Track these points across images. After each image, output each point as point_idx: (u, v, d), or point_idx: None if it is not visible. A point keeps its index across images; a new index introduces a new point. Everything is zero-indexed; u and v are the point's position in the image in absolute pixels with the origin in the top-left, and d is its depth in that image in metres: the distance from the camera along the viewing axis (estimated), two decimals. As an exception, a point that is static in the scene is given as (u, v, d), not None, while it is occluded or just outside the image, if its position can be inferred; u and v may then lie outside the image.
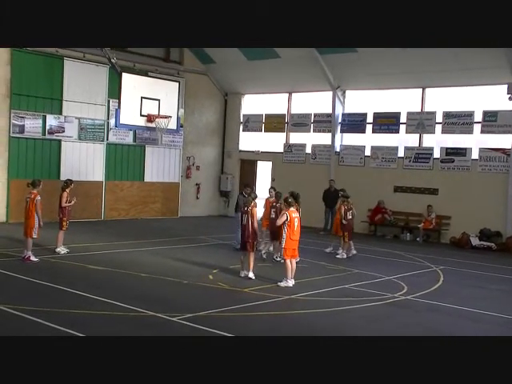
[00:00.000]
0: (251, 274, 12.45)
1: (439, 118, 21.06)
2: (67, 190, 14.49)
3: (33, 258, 13.27)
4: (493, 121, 19.94)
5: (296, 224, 12.03)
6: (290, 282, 11.98)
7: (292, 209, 12.21)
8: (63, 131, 21.16)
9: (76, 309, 9.51)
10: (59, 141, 21.15)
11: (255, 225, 12.59)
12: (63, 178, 20.88)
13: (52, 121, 20.89)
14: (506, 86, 19.12)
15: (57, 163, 21.17)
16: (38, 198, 13.44)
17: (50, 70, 20.76)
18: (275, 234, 14.11)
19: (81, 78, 21.35)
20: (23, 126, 20.21)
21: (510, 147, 19.62)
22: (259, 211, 13.80)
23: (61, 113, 21.12)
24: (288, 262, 12.03)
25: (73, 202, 14.52)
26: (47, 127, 20.75)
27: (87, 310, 9.47)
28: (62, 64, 20.97)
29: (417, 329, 9.44)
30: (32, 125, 20.39)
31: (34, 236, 13.36)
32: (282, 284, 11.94)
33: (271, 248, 15.69)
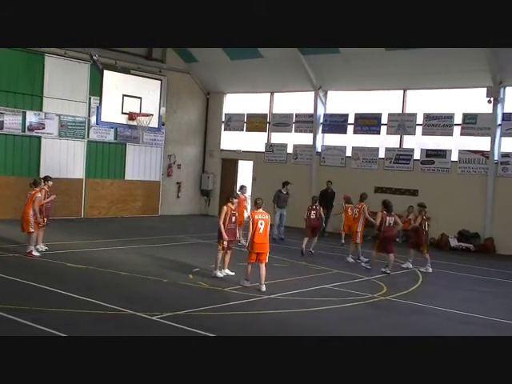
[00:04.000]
0: (217, 272, 12.48)
1: (420, 119, 21.22)
2: (45, 188, 14.34)
3: (34, 253, 13.43)
4: (472, 123, 20.14)
5: (262, 227, 11.45)
6: (247, 283, 11.63)
7: (260, 210, 11.73)
8: (43, 128, 20.99)
9: (54, 307, 9.44)
10: (39, 137, 20.97)
11: (220, 223, 12.36)
12: (43, 175, 20.70)
13: (32, 117, 20.71)
14: (485, 89, 19.37)
15: (36, 160, 20.99)
16: (39, 195, 13.59)
17: (30, 66, 20.58)
18: (314, 231, 16.50)
19: (62, 75, 21.19)
20: (2, 122, 20.00)
21: (488, 149, 19.84)
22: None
23: (41, 109, 20.95)
24: (249, 266, 11.61)
25: (50, 199, 14.35)
26: (27, 124, 20.57)
27: (65, 309, 9.41)
28: (42, 60, 20.79)
29: (397, 329, 9.50)
30: (11, 121, 20.19)
31: (31, 230, 13.39)
32: (242, 283, 11.72)
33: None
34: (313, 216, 16.62)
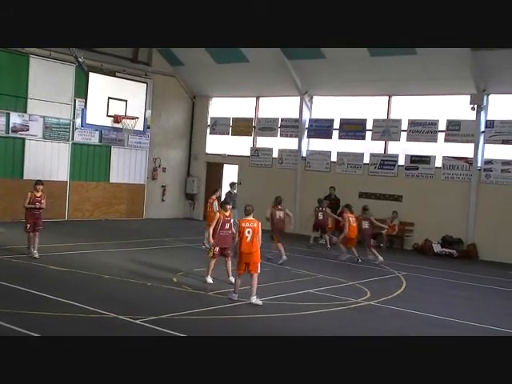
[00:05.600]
0: (206, 278, 12.37)
1: (404, 125, 21.36)
2: (33, 191, 13.99)
3: None
4: (456, 130, 20.31)
5: (249, 236, 10.79)
6: (235, 296, 11.03)
7: (249, 218, 11.08)
8: (27, 129, 20.84)
9: (36, 310, 9.36)
10: (23, 139, 20.82)
11: (209, 229, 12.37)
12: (27, 177, 20.63)
13: (16, 119, 20.55)
14: (469, 96, 19.55)
15: (20, 162, 20.83)
16: None
17: (15, 67, 20.45)
18: (323, 229, 19.55)
19: (47, 76, 21.06)
20: (-14, 123, 19.85)
21: (472, 156, 20.01)
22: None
23: (25, 111, 20.80)
24: (238, 277, 11.06)
25: (37, 205, 13.86)
26: (11, 125, 20.41)
27: (48, 312, 9.33)
28: (27, 61, 20.66)
29: (381, 334, 9.51)
30: (-5, 122, 20.05)
31: None
32: (229, 296, 11.13)
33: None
34: (320, 217, 19.16)
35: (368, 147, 22.49)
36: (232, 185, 19.48)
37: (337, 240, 17.77)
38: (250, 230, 10.87)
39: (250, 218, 11.13)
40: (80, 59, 19.48)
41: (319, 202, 19.49)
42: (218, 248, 12.17)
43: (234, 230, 12.01)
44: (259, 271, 11.03)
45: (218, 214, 12.36)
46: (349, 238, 16.88)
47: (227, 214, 12.30)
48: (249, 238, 10.83)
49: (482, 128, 19.87)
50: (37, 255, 13.74)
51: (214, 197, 17.25)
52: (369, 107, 22.44)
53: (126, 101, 20.05)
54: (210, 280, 12.34)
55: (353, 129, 22.50)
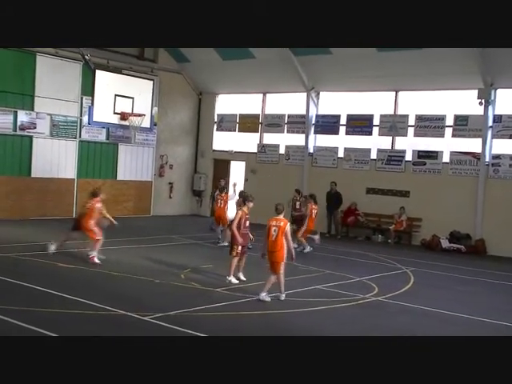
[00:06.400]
0: (230, 278, 12.13)
1: (412, 121, 21.29)
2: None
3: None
4: (464, 125, 20.23)
5: (275, 234, 10.69)
6: (282, 296, 11.00)
7: (279, 217, 10.87)
8: (35, 127, 20.89)
9: (45, 307, 9.40)
10: (31, 137, 20.88)
11: (233, 229, 12.03)
12: (34, 175, 20.73)
13: (23, 117, 20.61)
14: (476, 91, 19.47)
15: (28, 160, 20.90)
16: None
17: (21, 65, 20.49)
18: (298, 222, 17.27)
19: (53, 74, 21.10)
20: (-7, 121, 19.91)
21: (479, 151, 19.93)
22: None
23: (32, 109, 20.85)
24: (271, 277, 10.91)
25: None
26: (18, 123, 20.48)
27: (57, 309, 9.37)
28: (34, 59, 20.70)
29: (389, 330, 9.51)
30: (2, 120, 20.09)
31: None
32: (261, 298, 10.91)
33: None
34: (297, 207, 18.54)
35: (375, 143, 22.44)
36: (219, 180, 19.92)
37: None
38: (276, 228, 10.75)
39: (280, 217, 10.92)
40: (86, 57, 19.56)
41: (297, 192, 19.17)
42: (240, 247, 12.09)
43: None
44: (281, 272, 10.90)
45: (240, 212, 12.20)
46: (309, 230, 17.07)
47: (247, 211, 12.23)
48: (274, 236, 10.74)
49: (490, 123, 19.78)
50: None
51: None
52: (376, 103, 22.37)
53: (133, 98, 20.11)
54: (234, 280, 12.11)
55: (360, 124, 22.45)
